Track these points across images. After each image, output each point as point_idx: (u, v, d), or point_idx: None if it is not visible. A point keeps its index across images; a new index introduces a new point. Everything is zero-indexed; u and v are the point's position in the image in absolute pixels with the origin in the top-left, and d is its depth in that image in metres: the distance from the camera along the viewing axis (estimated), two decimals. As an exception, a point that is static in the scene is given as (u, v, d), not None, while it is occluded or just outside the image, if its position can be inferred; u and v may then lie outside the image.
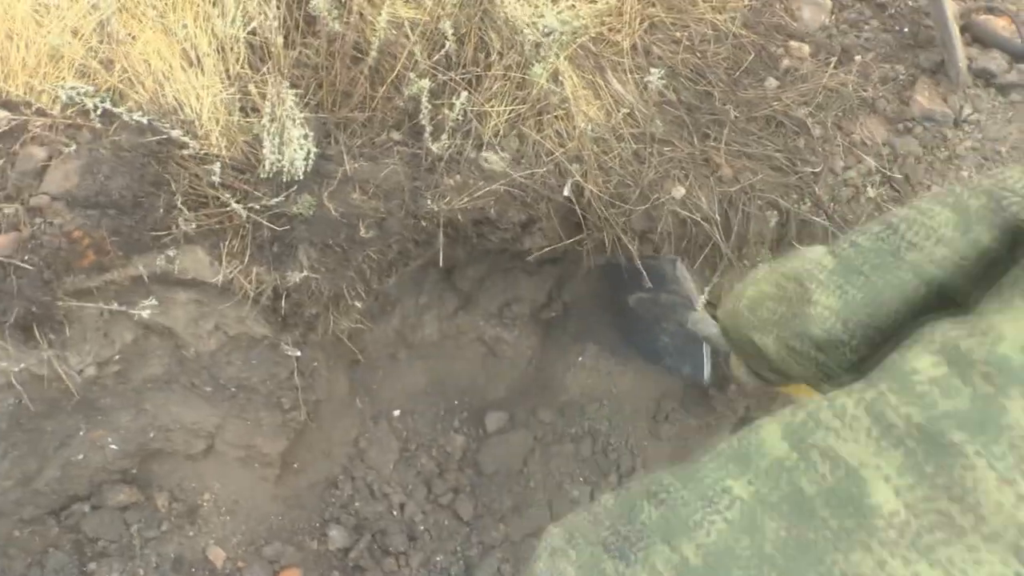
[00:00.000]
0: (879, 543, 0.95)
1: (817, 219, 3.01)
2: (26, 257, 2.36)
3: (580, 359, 3.89)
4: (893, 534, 0.94)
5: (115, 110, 2.54)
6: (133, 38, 2.72)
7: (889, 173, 3.06)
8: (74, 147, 2.48)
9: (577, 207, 3.02)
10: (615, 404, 3.93)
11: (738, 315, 1.54)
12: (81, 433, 3.05)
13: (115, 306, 2.59)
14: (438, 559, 3.61)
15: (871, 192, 3.03)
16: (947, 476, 0.93)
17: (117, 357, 2.80)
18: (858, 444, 1.01)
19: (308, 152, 2.67)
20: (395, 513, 3.69)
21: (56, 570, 3.22)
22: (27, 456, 2.97)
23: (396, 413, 3.86)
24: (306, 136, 2.66)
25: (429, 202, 2.87)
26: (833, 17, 3.33)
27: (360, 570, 3.54)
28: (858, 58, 3.19)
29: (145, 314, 2.62)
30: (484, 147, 2.98)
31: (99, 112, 2.54)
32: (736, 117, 3.08)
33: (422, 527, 3.67)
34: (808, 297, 1.34)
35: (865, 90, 3.15)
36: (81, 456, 3.11)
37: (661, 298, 3.22)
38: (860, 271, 1.29)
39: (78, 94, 2.54)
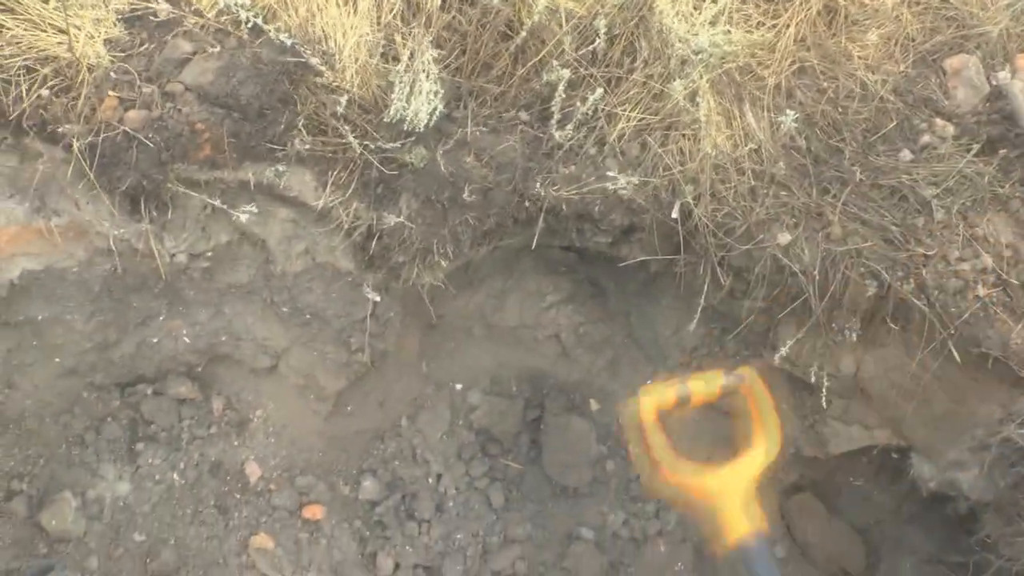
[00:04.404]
0: None
1: (917, 302, 2.91)
2: (150, 135, 2.51)
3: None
4: None
5: (264, 26, 2.67)
6: (301, -36, 2.84)
7: (1006, 276, 2.94)
8: (218, 49, 2.63)
9: (681, 228, 3.01)
10: (673, 436, 3.88)
11: None
12: (161, 318, 3.21)
13: (218, 202, 2.72)
14: (458, 536, 3.64)
15: (981, 291, 2.92)
16: None
17: (209, 254, 2.94)
18: None
19: (434, 108, 2.75)
20: (430, 481, 3.74)
21: (109, 440, 3.40)
22: (110, 325, 3.15)
23: (458, 387, 3.91)
24: (436, 93, 2.74)
25: (538, 185, 2.91)
26: (987, 104, 3.21)
27: (382, 526, 3.61)
28: (1003, 152, 3.06)
29: (244, 218, 2.74)
30: (606, 146, 3.01)
31: (249, 25, 2.68)
32: (861, 180, 3.01)
33: (451, 503, 3.71)
34: None
35: (1002, 186, 3.02)
36: (156, 340, 3.27)
37: None
38: None
39: (235, 4, 2.68)
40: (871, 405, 3.26)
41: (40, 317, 2.99)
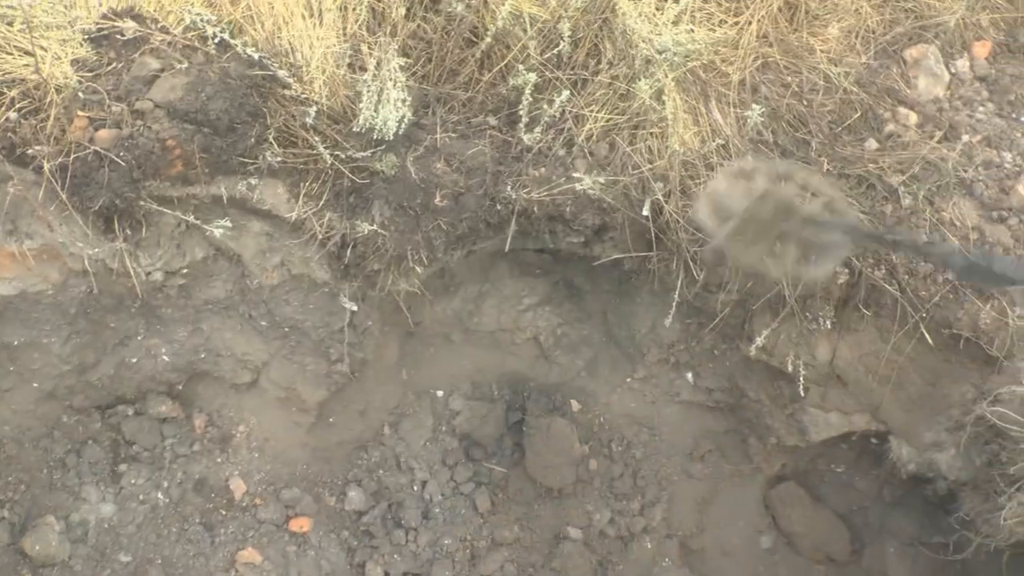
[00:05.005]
0: None
1: (888, 288, 2.96)
2: (121, 154, 2.51)
3: (628, 380, 3.89)
4: None
5: (231, 41, 2.69)
6: (264, -21, 2.86)
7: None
8: (186, 65, 2.64)
9: (652, 225, 3.04)
10: (654, 434, 3.92)
11: None
12: (139, 338, 3.20)
13: (191, 218, 2.73)
14: (446, 542, 3.64)
15: (951, 273, 2.98)
16: None
17: (185, 270, 2.94)
18: None
19: (403, 116, 2.77)
20: (415, 488, 3.74)
21: (91, 462, 3.39)
22: (88, 347, 3.14)
23: (439, 393, 3.92)
24: (404, 100, 2.76)
25: (509, 188, 2.93)
26: (948, 92, 3.29)
27: (369, 535, 3.61)
28: (965, 137, 3.13)
29: (218, 233, 2.75)
30: (574, 147, 3.04)
31: (216, 40, 2.70)
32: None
33: (438, 509, 3.71)
34: None
35: (965, 171, 3.09)
36: (135, 360, 3.26)
37: None
38: None
39: (201, 20, 2.69)
40: (848, 391, 3.30)
41: (16, 342, 2.98)
